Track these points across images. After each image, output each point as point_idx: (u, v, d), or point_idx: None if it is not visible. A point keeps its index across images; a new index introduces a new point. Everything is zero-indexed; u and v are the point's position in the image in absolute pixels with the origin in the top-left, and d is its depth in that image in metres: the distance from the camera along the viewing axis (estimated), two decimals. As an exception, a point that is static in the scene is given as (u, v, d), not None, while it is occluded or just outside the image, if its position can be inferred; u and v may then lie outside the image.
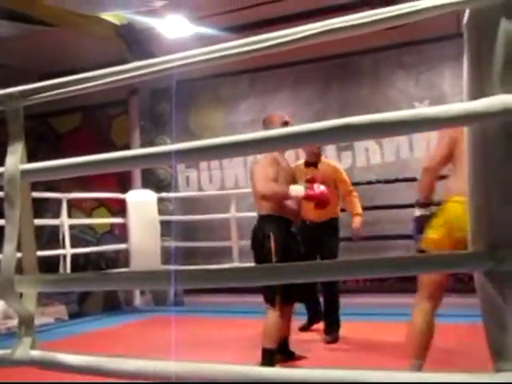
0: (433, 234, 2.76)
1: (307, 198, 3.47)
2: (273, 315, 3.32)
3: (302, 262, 1.54)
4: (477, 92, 1.18)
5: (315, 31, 1.37)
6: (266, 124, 3.64)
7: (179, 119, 7.50)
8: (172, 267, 6.04)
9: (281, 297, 3.31)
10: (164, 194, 6.97)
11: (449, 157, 2.85)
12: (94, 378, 1.53)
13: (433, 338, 2.86)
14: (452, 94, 6.03)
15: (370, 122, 1.24)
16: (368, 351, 4.06)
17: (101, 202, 8.22)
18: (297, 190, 3.44)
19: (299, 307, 3.91)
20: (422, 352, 2.83)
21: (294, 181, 3.59)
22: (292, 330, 3.87)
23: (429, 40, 6.18)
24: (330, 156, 6.60)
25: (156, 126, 7.54)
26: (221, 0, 5.87)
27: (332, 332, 4.48)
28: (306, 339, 4.45)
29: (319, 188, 3.49)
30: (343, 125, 1.27)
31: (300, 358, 3.77)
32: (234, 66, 6.41)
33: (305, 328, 4.77)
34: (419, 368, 2.81)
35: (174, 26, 6.34)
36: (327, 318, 4.56)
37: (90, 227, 8.29)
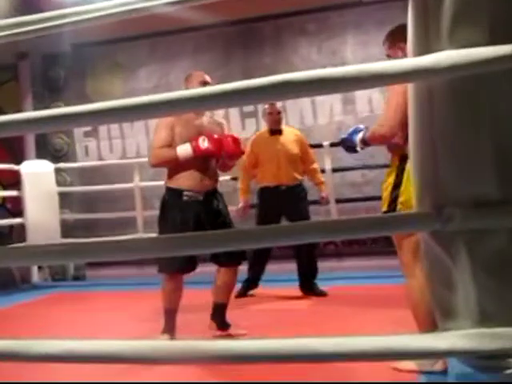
0: (406, 194, 2.64)
1: (197, 153, 3.28)
2: (165, 282, 3.37)
3: (201, 232, 1.40)
4: (423, 48, 1.15)
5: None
6: (186, 82, 3.49)
7: (75, 85, 7.11)
8: (73, 241, 5.78)
9: (173, 265, 3.28)
10: (61, 165, 6.64)
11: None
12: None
13: None
14: (353, 61, 6.12)
15: (311, 78, 1.17)
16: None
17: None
18: (183, 149, 3.28)
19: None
20: (432, 317, 2.70)
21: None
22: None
23: (330, 7, 6.21)
24: (235, 123, 6.53)
25: (50, 93, 7.11)
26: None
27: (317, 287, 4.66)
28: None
29: (204, 143, 3.28)
30: (282, 81, 1.19)
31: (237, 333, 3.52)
32: (134, 30, 6.19)
33: (241, 294, 4.75)
34: None
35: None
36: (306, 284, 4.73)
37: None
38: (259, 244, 1.36)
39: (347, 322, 3.65)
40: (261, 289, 4.90)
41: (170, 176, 3.41)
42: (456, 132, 1.12)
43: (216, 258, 3.42)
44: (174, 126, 3.33)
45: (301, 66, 6.35)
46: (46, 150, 7.01)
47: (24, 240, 6.00)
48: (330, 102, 6.26)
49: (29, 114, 1.37)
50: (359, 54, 6.23)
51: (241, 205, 4.84)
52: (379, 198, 5.14)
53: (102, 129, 7.00)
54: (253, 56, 6.68)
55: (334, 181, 5.75)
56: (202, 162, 3.38)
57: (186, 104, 1.20)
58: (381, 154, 5.55)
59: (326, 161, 5.70)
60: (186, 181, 3.34)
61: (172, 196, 3.39)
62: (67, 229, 6.46)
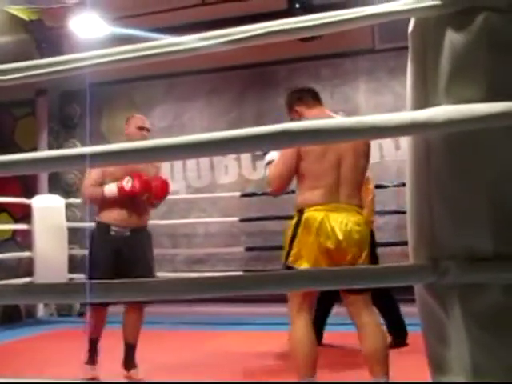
0: (298, 246, 2.67)
1: (121, 193, 3.42)
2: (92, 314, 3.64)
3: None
4: (421, 102, 1.16)
5: (228, 38, 1.27)
6: (126, 125, 3.68)
7: (91, 123, 7.22)
8: (80, 276, 5.79)
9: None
10: (72, 200, 6.68)
11: (294, 171, 2.77)
12: None
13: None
14: (366, 107, 6.19)
15: (308, 128, 1.19)
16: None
17: (2, 207, 7.74)
18: (109, 188, 3.45)
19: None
20: (312, 368, 2.67)
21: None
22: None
23: (344, 54, 6.31)
24: (245, 165, 6.58)
25: (66, 130, 7.23)
26: (139, 1, 5.71)
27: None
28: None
29: (128, 184, 3.42)
30: (281, 131, 1.21)
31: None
32: (150, 70, 6.30)
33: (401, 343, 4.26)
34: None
35: (87, 26, 6.09)
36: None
37: (-12, 234, 7.77)
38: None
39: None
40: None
41: (100, 211, 3.57)
42: (452, 186, 1.13)
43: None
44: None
45: (313, 111, 6.42)
46: (58, 185, 7.07)
47: (31, 274, 6.02)
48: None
49: (41, 154, 1.39)
50: (371, 100, 6.30)
51: None
52: (391, 244, 5.13)
53: (115, 166, 7.05)
54: (267, 98, 6.76)
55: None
56: (130, 200, 3.50)
57: (178, 151, 1.22)
58: (392, 202, 5.57)
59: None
60: (114, 216, 3.49)
61: (100, 230, 3.55)
62: (75, 264, 6.46)
